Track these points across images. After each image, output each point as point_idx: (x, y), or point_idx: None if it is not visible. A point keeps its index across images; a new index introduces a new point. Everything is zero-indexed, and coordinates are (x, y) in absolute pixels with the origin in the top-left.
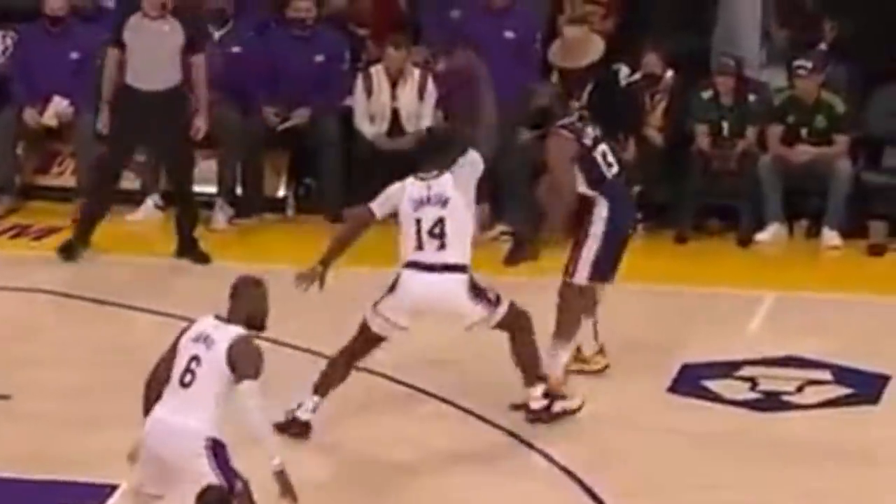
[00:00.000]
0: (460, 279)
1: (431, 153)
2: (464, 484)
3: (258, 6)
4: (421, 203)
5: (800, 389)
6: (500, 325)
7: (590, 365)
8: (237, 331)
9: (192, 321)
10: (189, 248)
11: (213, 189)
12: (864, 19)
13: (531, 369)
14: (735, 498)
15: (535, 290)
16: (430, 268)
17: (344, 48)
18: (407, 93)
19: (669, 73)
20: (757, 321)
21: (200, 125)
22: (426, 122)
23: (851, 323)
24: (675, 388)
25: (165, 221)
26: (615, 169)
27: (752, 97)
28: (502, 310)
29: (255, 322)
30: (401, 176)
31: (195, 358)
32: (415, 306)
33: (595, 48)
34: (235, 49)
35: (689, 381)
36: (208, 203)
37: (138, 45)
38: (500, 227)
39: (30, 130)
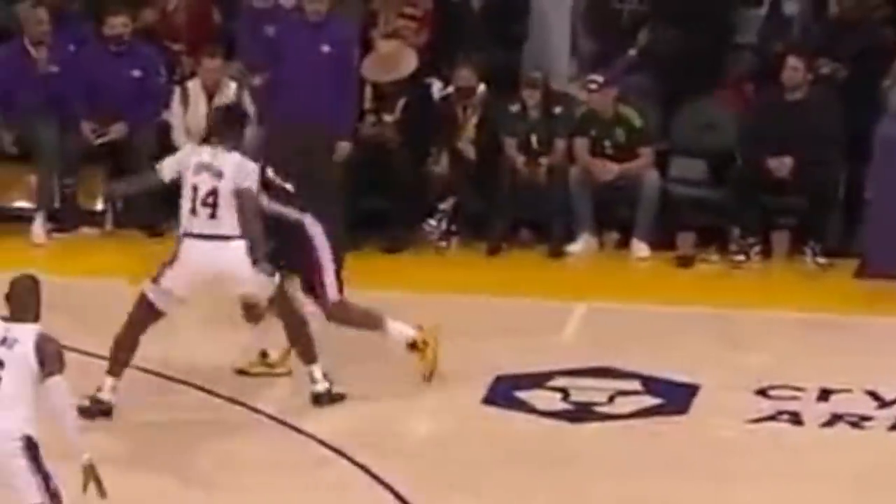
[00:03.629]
0: (239, 245)
1: (225, 127)
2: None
3: (77, 22)
4: (200, 168)
5: (611, 400)
6: (272, 301)
7: (276, 368)
8: (35, 328)
9: None
10: None
11: (30, 203)
12: (688, 31)
13: (301, 347)
14: None
15: None
16: (208, 237)
17: (159, 62)
18: None
19: (482, 87)
20: (568, 332)
21: None
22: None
23: (660, 333)
24: (489, 399)
25: None
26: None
27: (558, 110)
28: (275, 282)
29: (36, 318)
30: None
31: None
32: (198, 275)
33: (408, 62)
34: (53, 69)
35: (503, 392)
36: (28, 218)
37: None
38: None
39: None
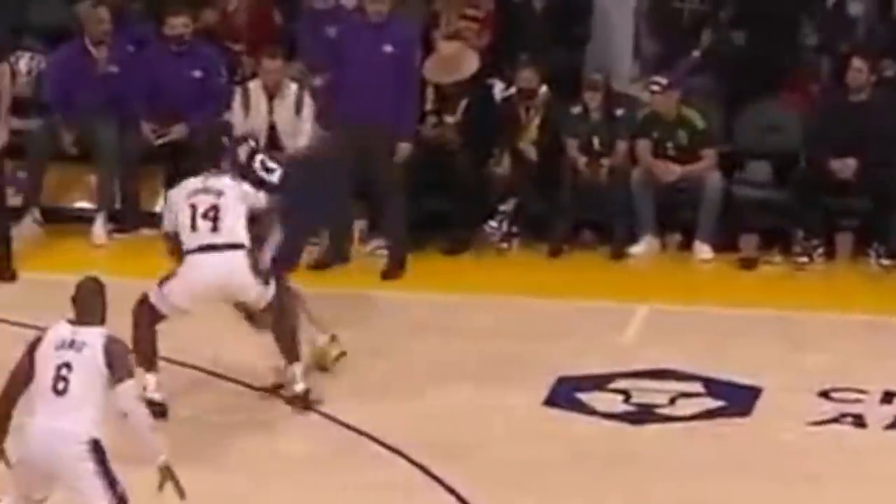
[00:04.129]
0: (241, 254)
1: (205, 152)
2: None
3: (137, 22)
4: (195, 192)
5: (672, 402)
6: (270, 306)
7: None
8: (103, 331)
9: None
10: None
11: (91, 204)
12: (752, 32)
13: (291, 348)
14: None
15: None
16: (211, 248)
17: (221, 63)
18: (284, 108)
19: (544, 88)
20: (630, 334)
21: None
22: (303, 137)
23: (723, 335)
24: (550, 401)
25: (44, 236)
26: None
27: (619, 112)
28: (272, 289)
29: (102, 320)
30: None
31: (65, 364)
32: (198, 286)
33: (470, 64)
34: (113, 69)
35: (564, 394)
36: (89, 218)
37: None
38: (376, 243)
39: None
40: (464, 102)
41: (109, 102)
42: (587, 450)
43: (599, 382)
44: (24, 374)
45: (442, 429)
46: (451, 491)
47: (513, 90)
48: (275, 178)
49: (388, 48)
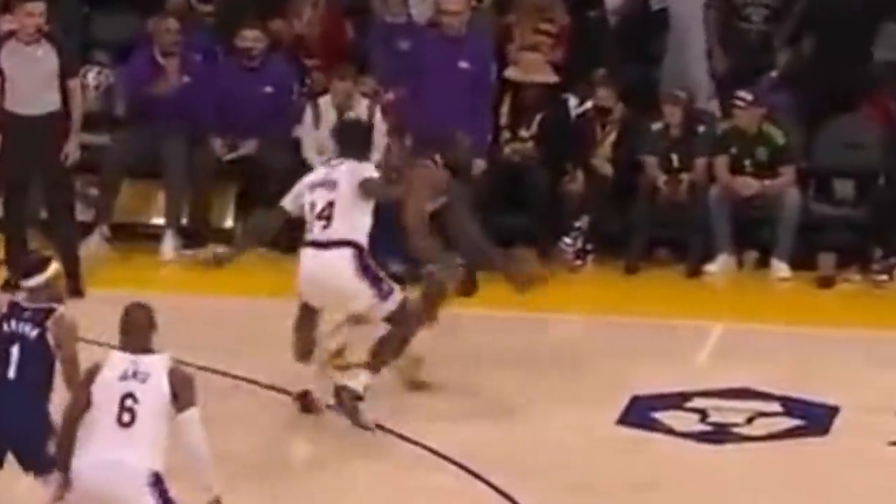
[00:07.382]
0: (346, 254)
1: (346, 142)
2: None
3: (203, 32)
4: (314, 186)
5: (749, 421)
6: (390, 319)
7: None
8: (166, 359)
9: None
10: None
11: (161, 220)
12: (825, 46)
13: (378, 357)
14: None
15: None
16: (318, 244)
17: (293, 79)
18: None
19: (620, 106)
20: (706, 352)
21: (69, 150)
22: (375, 151)
23: (801, 354)
24: (624, 420)
25: (113, 253)
26: None
27: (700, 128)
28: (393, 302)
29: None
30: None
31: (129, 395)
32: (307, 282)
33: (548, 73)
34: (185, 79)
35: (639, 413)
36: (156, 234)
37: (14, 70)
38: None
39: None
40: (539, 117)
41: (179, 116)
42: (663, 470)
43: (675, 401)
44: (82, 406)
45: (516, 448)
46: None
47: (587, 106)
48: None
49: (464, 64)
